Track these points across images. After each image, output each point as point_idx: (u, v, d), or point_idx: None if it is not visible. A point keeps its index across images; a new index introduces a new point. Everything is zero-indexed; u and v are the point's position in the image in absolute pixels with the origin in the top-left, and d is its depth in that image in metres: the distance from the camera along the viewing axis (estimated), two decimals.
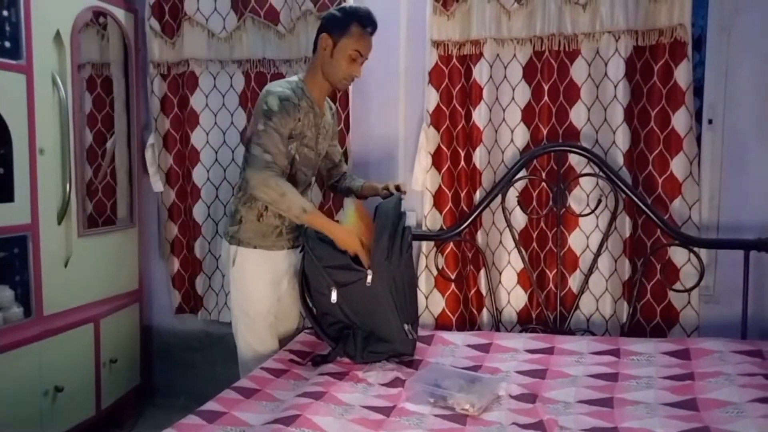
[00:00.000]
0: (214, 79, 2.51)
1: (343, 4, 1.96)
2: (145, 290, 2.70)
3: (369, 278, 1.75)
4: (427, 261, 2.26)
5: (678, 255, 2.09)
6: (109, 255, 2.48)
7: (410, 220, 2.35)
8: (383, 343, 1.79)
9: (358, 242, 1.76)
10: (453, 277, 2.29)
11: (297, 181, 1.89)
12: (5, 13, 1.98)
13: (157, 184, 2.60)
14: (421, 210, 2.31)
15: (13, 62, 2.00)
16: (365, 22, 1.83)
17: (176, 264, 2.62)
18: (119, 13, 2.49)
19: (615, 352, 1.83)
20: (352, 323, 1.81)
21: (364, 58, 1.86)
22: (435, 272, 2.28)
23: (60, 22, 2.19)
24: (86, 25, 2.36)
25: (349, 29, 1.81)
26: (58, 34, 2.18)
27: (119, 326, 2.51)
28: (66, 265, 2.25)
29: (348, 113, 2.34)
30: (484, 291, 2.26)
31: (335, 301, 1.79)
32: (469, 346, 1.95)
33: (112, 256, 2.50)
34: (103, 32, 2.49)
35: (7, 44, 1.99)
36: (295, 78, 1.89)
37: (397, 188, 1.99)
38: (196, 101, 2.51)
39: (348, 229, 1.80)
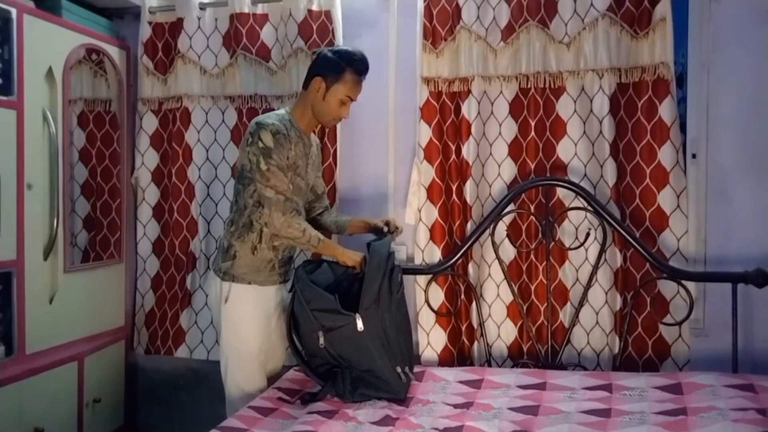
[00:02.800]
0: (206, 114, 2.53)
1: (338, 47, 1.96)
2: (131, 327, 2.65)
3: (359, 324, 1.73)
4: (426, 295, 2.24)
5: (667, 288, 2.10)
6: (95, 291, 2.44)
7: (400, 255, 2.35)
8: (374, 386, 1.76)
9: (357, 265, 1.84)
10: (444, 311, 2.27)
11: None
12: None
13: (144, 216, 2.58)
14: (413, 244, 2.31)
15: (4, 98, 2.01)
16: (360, 68, 1.86)
17: (153, 301, 2.57)
18: (112, 51, 2.52)
19: (607, 387, 1.82)
20: (340, 364, 1.79)
21: (352, 101, 1.91)
22: (430, 306, 2.25)
23: (52, 58, 2.21)
24: (79, 62, 2.38)
25: (344, 76, 1.84)
26: (50, 71, 2.20)
27: (104, 364, 2.45)
28: (51, 302, 2.22)
29: (336, 149, 2.36)
30: (475, 324, 2.25)
31: (323, 345, 1.77)
32: (460, 382, 1.92)
33: (99, 291, 2.47)
34: (96, 69, 2.51)
35: None
36: (282, 111, 1.91)
37: (387, 224, 2.00)
38: (189, 137, 2.52)
39: (356, 254, 1.88)
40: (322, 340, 1.77)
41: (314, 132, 2.05)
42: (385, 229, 1.98)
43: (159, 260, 2.58)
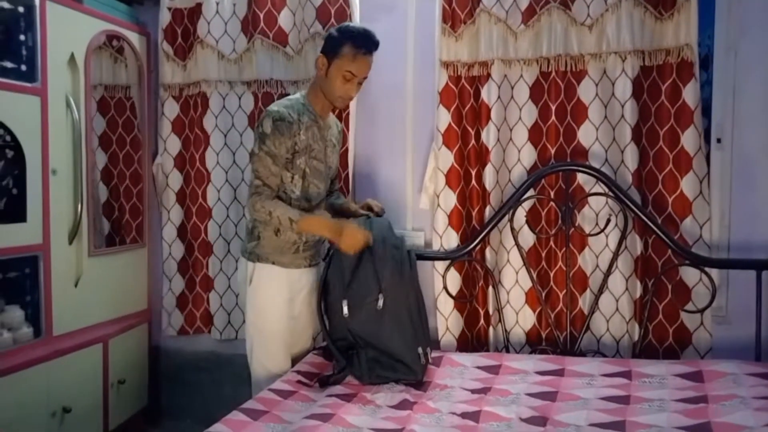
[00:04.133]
0: (224, 99, 2.54)
1: (344, 24, 1.96)
2: (154, 310, 2.71)
3: (380, 302, 1.74)
4: (444, 280, 2.25)
5: (689, 275, 2.07)
6: (119, 275, 2.49)
7: (419, 240, 2.35)
8: (392, 367, 1.78)
9: (360, 235, 1.79)
10: (462, 297, 2.27)
11: (310, 195, 1.91)
12: (22, 37, 2.03)
13: (167, 202, 2.61)
14: (431, 229, 2.30)
15: (29, 85, 2.04)
16: (358, 42, 1.83)
17: (182, 284, 2.62)
18: (132, 37, 2.54)
19: (626, 374, 1.81)
20: (357, 343, 1.81)
21: (359, 78, 1.87)
22: (448, 291, 2.26)
23: (74, 45, 2.24)
24: (99, 48, 2.40)
25: (341, 50, 1.83)
26: (72, 57, 2.23)
27: (128, 347, 2.51)
28: (76, 285, 2.27)
29: (350, 132, 2.35)
30: (492, 310, 2.25)
31: (346, 315, 1.79)
32: (478, 367, 1.93)
33: (122, 275, 2.52)
34: (116, 55, 2.53)
35: (24, 67, 2.04)
36: (297, 95, 1.94)
37: (369, 208, 2.00)
38: (207, 122, 2.54)
39: (342, 222, 1.83)
40: (346, 310, 1.78)
41: (335, 117, 2.04)
42: (370, 214, 1.99)
43: (184, 245, 2.62)
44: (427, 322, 1.93)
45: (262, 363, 1.93)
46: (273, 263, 1.89)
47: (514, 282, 2.24)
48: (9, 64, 1.99)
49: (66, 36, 2.19)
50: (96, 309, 2.36)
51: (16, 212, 2.02)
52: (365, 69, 1.87)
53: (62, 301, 2.18)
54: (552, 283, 2.21)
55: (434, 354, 2.02)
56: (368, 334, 1.79)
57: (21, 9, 2.02)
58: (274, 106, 1.85)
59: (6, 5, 1.98)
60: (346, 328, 1.81)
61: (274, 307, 1.91)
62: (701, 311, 2.04)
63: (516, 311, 2.25)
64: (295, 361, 1.99)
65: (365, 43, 1.84)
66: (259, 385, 1.91)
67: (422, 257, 2.25)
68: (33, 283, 2.10)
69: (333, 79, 1.85)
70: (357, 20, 2.33)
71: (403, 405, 1.63)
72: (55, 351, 2.12)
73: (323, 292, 1.90)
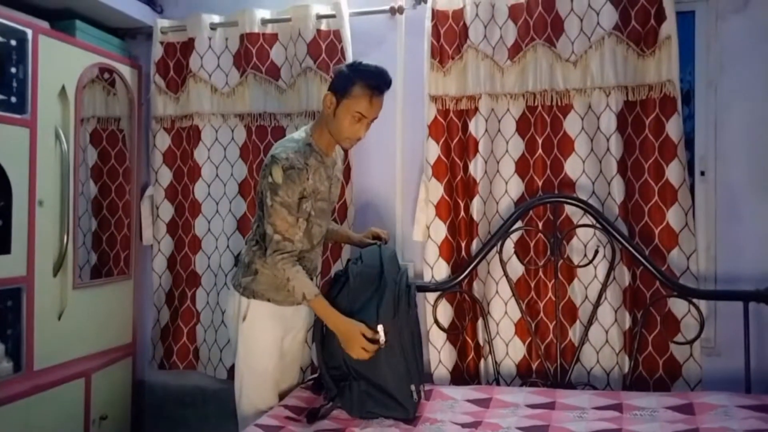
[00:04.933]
0: (216, 132, 2.56)
1: (356, 61, 1.86)
2: (138, 343, 2.66)
3: (382, 338, 1.72)
4: (434, 313, 2.23)
5: (678, 306, 2.08)
6: (103, 307, 2.45)
7: (408, 272, 2.35)
8: (383, 403, 1.75)
9: (361, 341, 1.72)
10: (453, 329, 2.26)
11: (312, 235, 1.87)
12: (13, 69, 2.04)
13: (149, 237, 2.60)
14: (422, 261, 2.30)
15: (18, 116, 2.05)
16: (372, 83, 1.74)
17: (167, 316, 2.59)
18: (124, 70, 2.56)
19: (617, 407, 1.79)
20: (350, 374, 1.78)
21: (370, 119, 1.78)
22: (438, 323, 2.24)
23: (66, 77, 2.25)
24: (92, 81, 2.42)
25: (352, 90, 1.73)
26: (63, 90, 2.24)
27: (111, 381, 2.45)
28: (60, 318, 2.22)
29: (348, 164, 2.37)
30: (482, 342, 2.23)
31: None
32: (468, 401, 1.90)
33: (107, 308, 2.48)
34: (108, 87, 2.55)
35: (14, 99, 2.04)
36: (302, 134, 1.84)
37: (378, 237, 2.00)
38: (198, 154, 2.55)
39: (351, 324, 1.74)
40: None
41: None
42: (380, 242, 1.98)
43: (173, 276, 2.60)
44: (422, 358, 1.90)
45: (251, 400, 1.88)
46: (268, 300, 1.85)
47: (504, 313, 2.23)
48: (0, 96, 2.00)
49: (57, 68, 2.21)
50: (79, 343, 2.32)
51: (0, 243, 2.00)
52: (377, 110, 1.77)
53: (44, 334, 2.13)
54: (541, 314, 2.21)
55: (426, 387, 2.00)
56: (363, 366, 1.76)
57: (13, 42, 2.04)
58: (281, 152, 1.74)
59: None
60: (342, 357, 1.78)
61: (266, 344, 1.87)
62: (690, 342, 2.04)
63: (506, 342, 2.23)
64: (282, 395, 1.95)
65: (378, 83, 1.75)
66: (245, 422, 1.87)
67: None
68: (15, 316, 2.06)
69: (341, 119, 1.75)
70: (349, 56, 2.37)
71: None
72: (35, 386, 2.07)
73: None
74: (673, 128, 2.07)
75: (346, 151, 2.24)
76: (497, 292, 2.24)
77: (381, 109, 1.79)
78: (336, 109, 1.76)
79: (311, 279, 1.90)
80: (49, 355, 2.16)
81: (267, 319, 1.86)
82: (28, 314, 2.08)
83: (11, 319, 2.05)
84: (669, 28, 2.06)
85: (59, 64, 2.22)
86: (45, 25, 2.20)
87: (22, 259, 2.05)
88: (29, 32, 2.08)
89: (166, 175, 2.60)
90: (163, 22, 2.58)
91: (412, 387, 1.77)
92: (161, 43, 2.59)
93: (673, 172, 2.07)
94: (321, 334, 1.87)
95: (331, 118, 1.79)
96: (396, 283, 1.83)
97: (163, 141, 2.60)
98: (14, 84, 2.05)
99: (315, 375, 1.96)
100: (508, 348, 2.23)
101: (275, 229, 1.75)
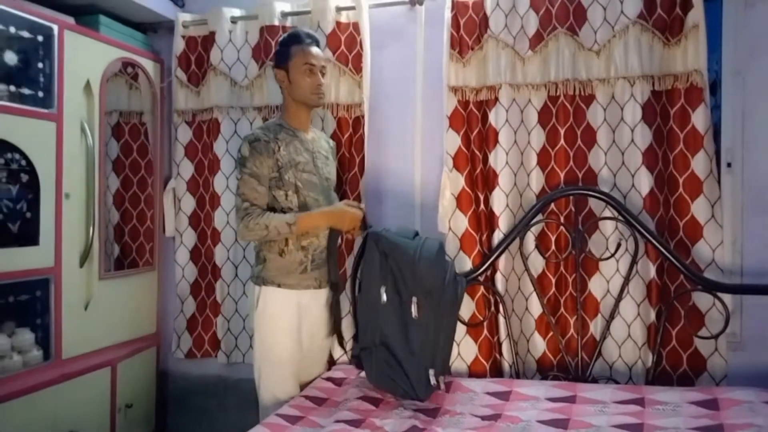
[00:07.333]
0: (235, 125, 2.58)
1: (278, 38, 2.15)
2: (162, 334, 2.71)
3: (414, 309, 1.75)
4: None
5: (702, 300, 2.04)
6: (128, 298, 2.50)
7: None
8: (395, 379, 1.78)
9: (347, 210, 1.86)
10: (476, 322, 2.25)
11: (309, 208, 1.92)
12: (40, 65, 2.08)
13: (171, 229, 2.64)
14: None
15: (45, 111, 2.09)
16: (299, 39, 1.96)
17: (193, 307, 2.63)
18: (147, 64, 2.59)
19: (639, 401, 1.77)
20: (374, 341, 1.80)
21: (319, 66, 1.96)
22: (459, 317, 2.23)
23: (90, 72, 2.29)
24: (115, 75, 2.46)
25: (291, 52, 1.95)
26: (88, 84, 2.28)
27: (136, 370, 2.50)
28: (86, 308, 2.27)
29: (363, 156, 2.37)
30: (503, 336, 2.22)
31: (384, 302, 1.78)
32: (488, 393, 1.90)
33: (132, 299, 2.53)
34: (131, 81, 2.59)
35: (41, 94, 2.08)
36: (271, 121, 2.03)
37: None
38: (218, 147, 2.57)
39: (334, 206, 1.90)
40: (384, 297, 1.77)
41: (329, 137, 2.15)
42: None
43: (197, 268, 2.63)
44: (451, 351, 1.92)
45: (270, 389, 1.91)
46: (278, 285, 1.89)
47: (525, 308, 2.22)
48: (27, 91, 2.04)
49: (82, 63, 2.24)
50: (105, 332, 2.37)
51: (29, 235, 2.05)
52: (319, 58, 1.97)
53: (72, 324, 2.19)
54: (562, 308, 2.19)
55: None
56: (390, 337, 1.78)
57: (40, 38, 2.08)
58: (250, 132, 1.95)
59: (26, 34, 2.03)
60: (369, 326, 1.80)
61: (280, 331, 1.89)
62: (715, 337, 2.01)
63: (527, 337, 2.22)
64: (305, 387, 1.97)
65: (304, 37, 1.97)
66: (266, 411, 1.89)
67: None
68: (44, 306, 2.11)
69: (298, 81, 1.94)
70: (367, 47, 2.36)
71: (412, 431, 1.61)
72: (63, 374, 2.12)
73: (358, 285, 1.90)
74: (700, 119, 2.03)
75: (351, 143, 2.33)
76: (519, 286, 2.22)
77: (323, 60, 1.99)
78: (289, 77, 1.96)
79: (313, 260, 1.92)
80: (76, 344, 2.21)
81: (278, 305, 1.89)
82: (56, 304, 2.13)
83: (40, 309, 2.11)
84: (696, 16, 2.01)
85: (84, 58, 2.25)
86: (70, 20, 2.23)
87: (49, 250, 2.10)
88: (55, 28, 2.12)
89: (187, 168, 2.63)
90: (184, 17, 2.61)
91: (431, 371, 1.78)
92: (183, 37, 2.61)
93: (699, 164, 2.03)
94: (357, 284, 1.90)
95: (291, 88, 1.97)
96: (446, 272, 1.85)
97: (184, 134, 2.63)
98: (41, 79, 2.09)
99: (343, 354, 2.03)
100: (528, 342, 2.22)
101: (243, 198, 1.85)
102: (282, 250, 1.89)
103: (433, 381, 1.78)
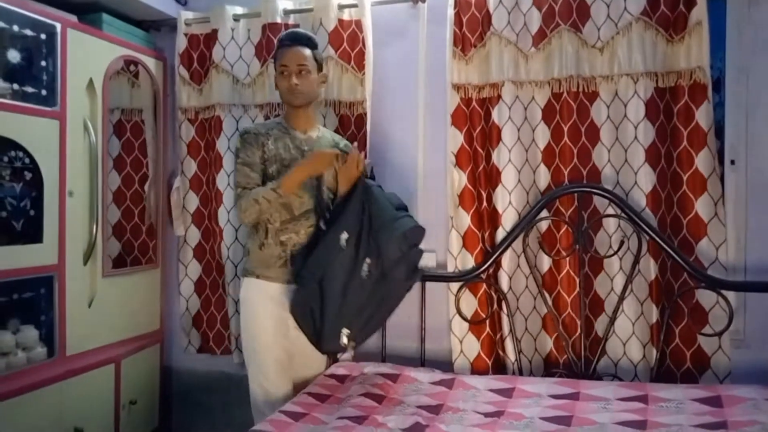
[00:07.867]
0: (237, 122, 2.58)
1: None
2: (166, 331, 2.71)
3: (365, 269, 1.80)
4: (457, 303, 2.23)
5: (706, 298, 2.04)
6: (132, 295, 2.51)
7: (430, 261, 2.34)
8: (317, 318, 1.83)
9: (322, 152, 1.91)
10: (478, 320, 2.25)
11: (292, 206, 1.93)
12: (43, 63, 2.09)
13: (180, 228, 2.64)
14: (445, 251, 2.29)
15: (48, 109, 2.09)
16: (280, 40, 2.02)
17: (198, 304, 2.64)
18: (149, 62, 2.59)
19: (643, 399, 1.77)
20: (314, 276, 1.85)
21: (291, 68, 1.97)
22: (461, 314, 2.24)
23: (93, 70, 2.29)
24: (117, 73, 2.46)
25: (275, 54, 2.04)
26: (91, 82, 2.28)
27: (140, 367, 2.51)
28: (90, 306, 2.28)
29: (365, 154, 2.37)
30: (506, 333, 2.22)
31: (342, 247, 1.82)
32: (491, 390, 1.90)
33: (135, 296, 2.53)
34: (133, 79, 2.59)
35: (44, 92, 2.09)
36: (272, 119, 2.13)
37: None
38: (220, 144, 2.58)
39: (310, 154, 1.94)
40: (344, 243, 1.82)
41: (338, 135, 2.18)
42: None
43: (201, 265, 2.64)
44: (385, 317, 1.95)
45: (258, 381, 1.92)
46: (257, 277, 1.93)
47: (528, 305, 2.22)
48: (30, 89, 2.04)
49: (85, 61, 2.25)
50: (109, 329, 2.38)
51: (32, 233, 2.05)
52: (293, 59, 1.97)
53: (76, 321, 2.19)
54: (566, 305, 2.18)
55: (447, 376, 2.01)
56: (330, 278, 1.81)
57: (43, 36, 2.08)
58: (244, 126, 2.06)
59: (29, 33, 2.04)
60: (326, 253, 1.84)
61: (259, 321, 1.91)
62: (719, 335, 2.01)
63: (531, 333, 2.22)
64: (305, 383, 1.98)
65: (285, 38, 2.02)
66: (257, 406, 1.90)
67: (433, 278, 2.24)
68: (48, 303, 2.12)
69: (278, 82, 2.01)
70: (370, 45, 2.36)
71: (415, 428, 1.61)
72: (67, 371, 2.13)
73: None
74: (703, 116, 2.02)
75: (355, 144, 2.28)
76: (524, 284, 2.22)
77: (303, 60, 1.98)
78: (275, 77, 2.03)
79: (291, 255, 1.94)
80: (80, 341, 2.22)
81: (258, 296, 1.92)
82: (60, 301, 2.14)
83: (44, 306, 2.12)
84: (699, 13, 2.01)
85: (87, 56, 2.25)
86: (73, 18, 2.23)
87: (53, 248, 2.11)
88: (58, 26, 2.12)
89: (191, 166, 2.63)
90: (187, 14, 2.61)
91: (345, 331, 1.80)
92: (185, 34, 2.61)
93: (703, 161, 2.03)
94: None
95: (277, 90, 2.04)
96: (406, 249, 1.87)
97: (187, 132, 2.63)
98: (44, 77, 2.09)
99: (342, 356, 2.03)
100: (533, 339, 2.22)
101: (237, 185, 1.92)
102: (262, 243, 1.93)
103: (343, 341, 1.81)
